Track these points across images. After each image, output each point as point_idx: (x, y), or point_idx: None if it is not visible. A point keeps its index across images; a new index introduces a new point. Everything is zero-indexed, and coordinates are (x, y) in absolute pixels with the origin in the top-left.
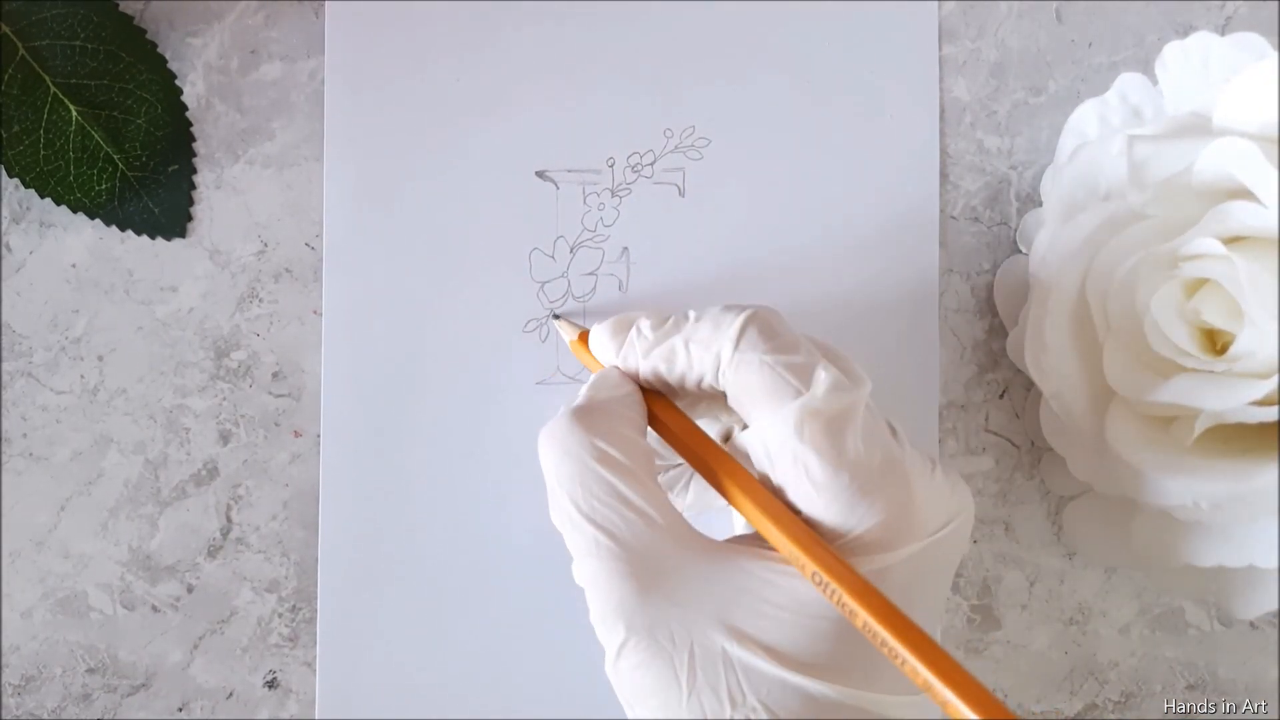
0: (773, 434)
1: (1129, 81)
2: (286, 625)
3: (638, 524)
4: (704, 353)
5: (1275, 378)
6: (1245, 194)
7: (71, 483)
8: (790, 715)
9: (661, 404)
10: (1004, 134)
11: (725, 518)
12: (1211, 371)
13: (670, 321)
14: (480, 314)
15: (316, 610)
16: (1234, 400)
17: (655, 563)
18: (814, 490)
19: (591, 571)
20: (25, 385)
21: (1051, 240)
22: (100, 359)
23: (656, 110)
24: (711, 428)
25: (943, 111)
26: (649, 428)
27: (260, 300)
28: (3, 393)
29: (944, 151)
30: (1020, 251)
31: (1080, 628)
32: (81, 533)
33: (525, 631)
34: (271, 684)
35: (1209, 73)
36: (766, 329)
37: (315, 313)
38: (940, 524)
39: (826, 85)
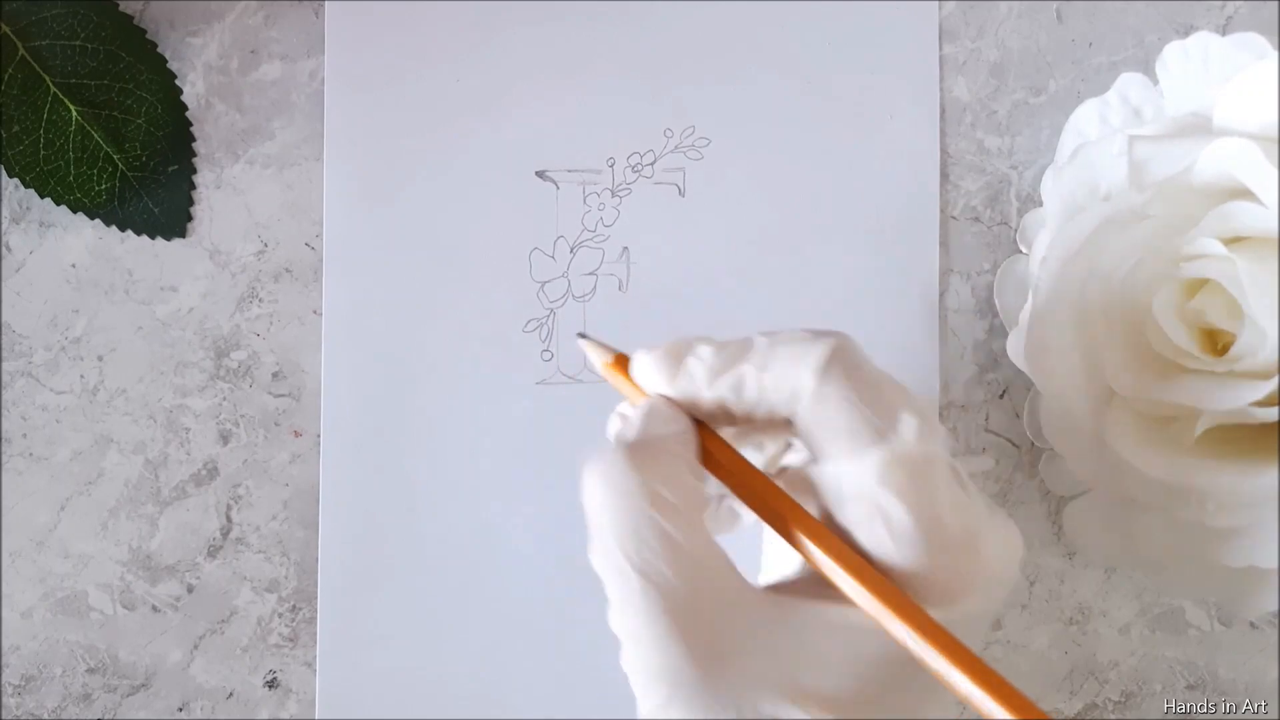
0: (851, 477)
1: (1129, 81)
2: (286, 625)
3: (690, 576)
4: (780, 383)
5: (1275, 378)
6: (1245, 194)
7: (71, 483)
8: None
9: (714, 440)
10: (1004, 134)
11: (751, 534)
12: (1212, 371)
13: (735, 346)
14: (480, 314)
15: (316, 610)
16: (1234, 400)
17: (705, 620)
18: (889, 539)
19: (635, 627)
20: (25, 385)
21: (1051, 240)
22: (100, 359)
23: (656, 110)
24: (754, 456)
25: (943, 111)
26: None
27: (260, 300)
28: (3, 393)
29: (944, 151)
30: (1020, 251)
31: (1080, 628)
32: (81, 533)
33: (525, 631)
34: (271, 684)
35: (1209, 73)
36: (851, 363)
37: (315, 313)
38: (999, 571)
39: (826, 85)
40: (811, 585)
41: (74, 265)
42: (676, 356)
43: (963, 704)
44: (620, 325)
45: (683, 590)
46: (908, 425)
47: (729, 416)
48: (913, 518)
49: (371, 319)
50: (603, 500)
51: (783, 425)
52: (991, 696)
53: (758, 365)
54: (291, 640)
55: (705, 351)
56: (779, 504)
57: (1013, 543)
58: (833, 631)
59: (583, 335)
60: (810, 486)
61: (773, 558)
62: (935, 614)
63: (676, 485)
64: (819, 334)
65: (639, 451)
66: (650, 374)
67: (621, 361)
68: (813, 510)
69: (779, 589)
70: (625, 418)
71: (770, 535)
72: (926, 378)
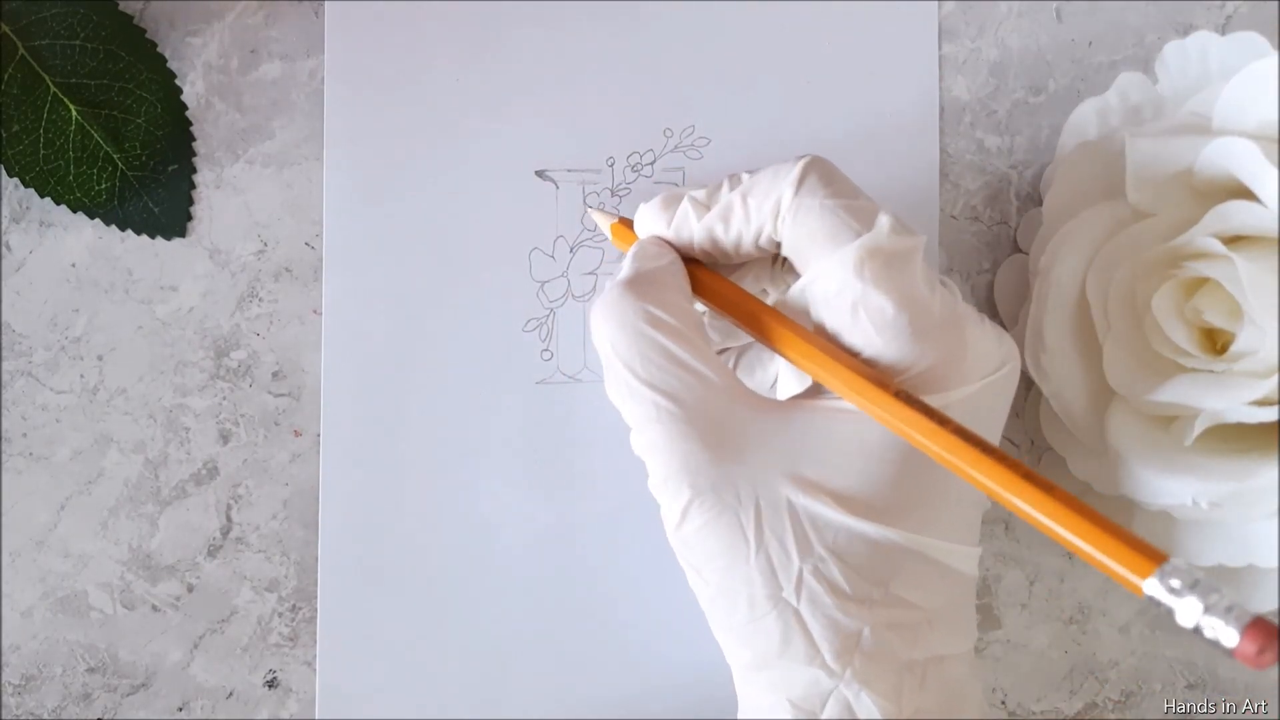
0: (832, 275)
1: (1129, 81)
2: (286, 625)
3: (696, 385)
4: (763, 202)
5: (1275, 377)
6: (1245, 193)
7: (71, 482)
8: (857, 561)
9: (704, 272)
10: (1004, 133)
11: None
12: (1211, 371)
13: (724, 183)
14: (480, 314)
15: (316, 610)
16: (1234, 400)
17: (716, 421)
18: (873, 329)
19: (652, 437)
20: (25, 385)
21: (1051, 240)
22: (100, 358)
23: (656, 110)
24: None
25: (943, 111)
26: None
27: (260, 300)
28: (3, 392)
29: (944, 151)
30: (1020, 251)
31: (1080, 627)
32: (81, 532)
33: (525, 631)
34: (271, 683)
35: (1209, 72)
36: (826, 175)
37: (315, 312)
38: (993, 368)
39: (826, 85)
40: (814, 391)
41: (74, 265)
42: (672, 200)
43: (970, 483)
44: None
45: (691, 397)
46: (882, 222)
47: (724, 254)
48: (892, 302)
49: (371, 319)
50: (608, 333)
51: (774, 264)
52: (975, 464)
53: (741, 192)
54: (291, 640)
55: (697, 193)
56: (767, 316)
57: (1005, 342)
58: (834, 426)
59: (589, 206)
60: (802, 307)
61: (788, 387)
62: (933, 401)
63: (671, 308)
64: (796, 157)
65: (633, 283)
66: (650, 219)
67: (625, 224)
68: (809, 328)
69: (785, 401)
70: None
71: (783, 368)
72: None
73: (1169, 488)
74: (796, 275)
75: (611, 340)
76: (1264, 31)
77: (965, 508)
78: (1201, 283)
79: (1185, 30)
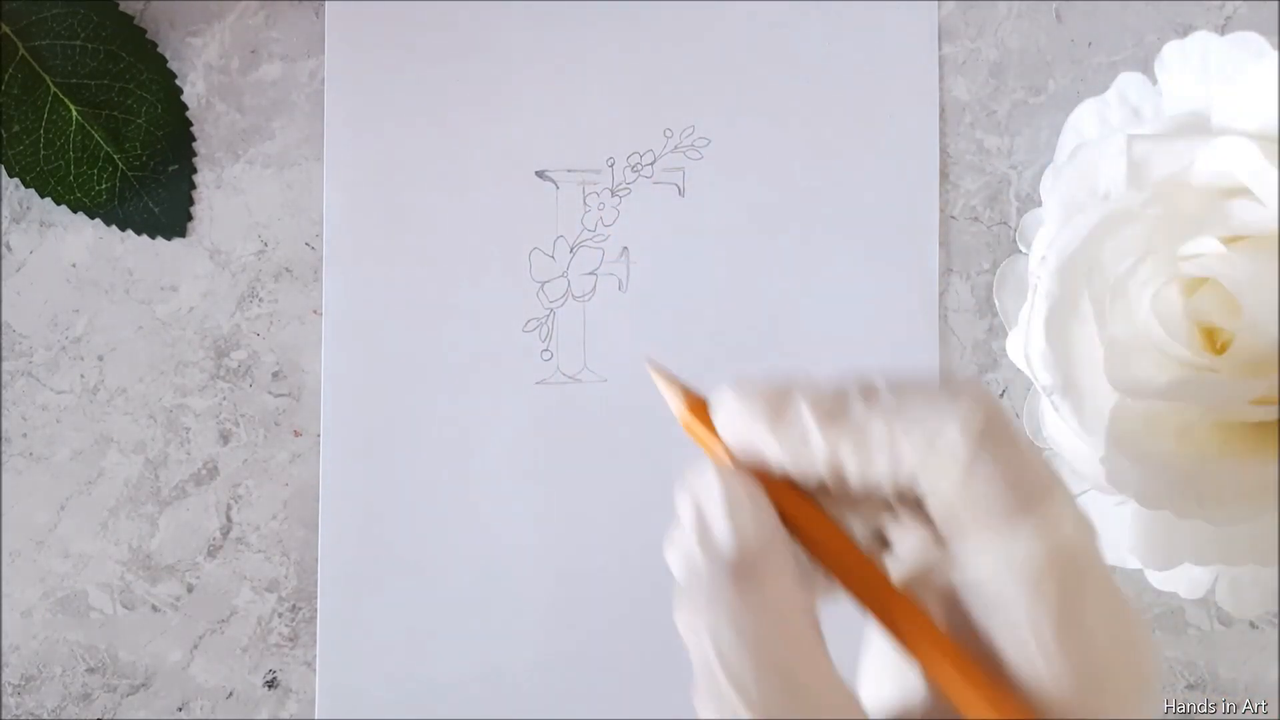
0: (994, 567)
1: (1129, 81)
2: (286, 625)
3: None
4: (918, 441)
5: (1275, 377)
6: (1245, 193)
7: (71, 482)
8: None
9: (800, 504)
10: (1004, 134)
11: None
12: (1212, 370)
13: (848, 390)
14: (480, 314)
15: (316, 610)
16: (1234, 398)
17: None
18: (1037, 651)
19: None
20: (25, 385)
21: (1051, 240)
22: (100, 358)
23: (656, 110)
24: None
25: (943, 111)
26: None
27: (260, 300)
28: (3, 392)
29: (944, 151)
30: (1020, 251)
31: None
32: (81, 532)
33: (525, 631)
34: (271, 684)
35: (1209, 73)
36: (1006, 426)
37: (315, 312)
38: (1145, 684)
39: (826, 85)
40: (939, 711)
41: (74, 265)
42: (780, 400)
43: None
44: (620, 325)
45: None
46: (1064, 506)
47: (838, 490)
48: (1063, 634)
49: (371, 319)
50: (710, 635)
51: (885, 505)
52: None
53: (885, 416)
54: (291, 640)
55: (811, 388)
56: (894, 606)
57: (1154, 650)
58: None
59: (654, 365)
60: (928, 579)
61: (872, 668)
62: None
63: (789, 605)
64: (954, 384)
65: (741, 572)
66: (745, 422)
67: (699, 407)
68: (933, 609)
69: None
70: (703, 516)
71: (872, 642)
72: (926, 378)
73: (1169, 488)
74: (923, 518)
75: (715, 645)
76: (1264, 31)
77: None
78: (1201, 283)
79: (1185, 30)
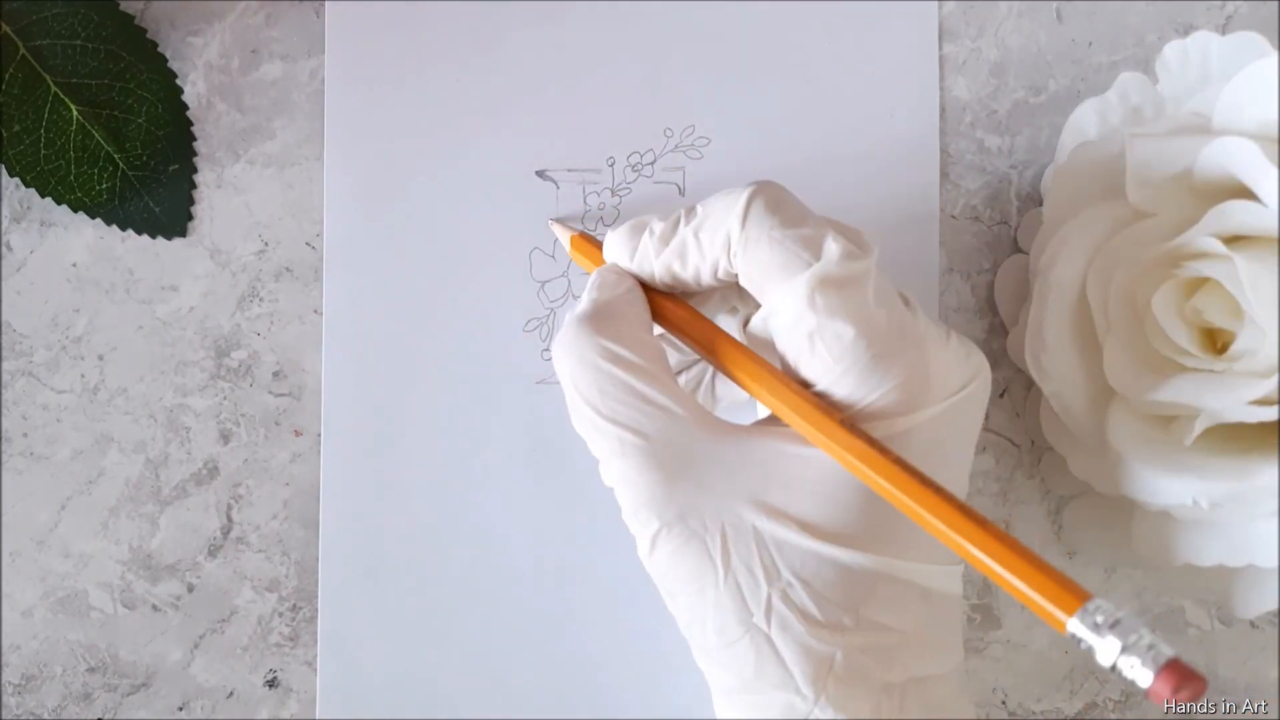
0: (785, 308)
1: (1129, 81)
2: (287, 624)
3: (658, 417)
4: (714, 236)
5: (1275, 377)
6: (1245, 193)
7: (72, 482)
8: (826, 586)
9: (663, 299)
10: (1004, 133)
11: (753, 412)
12: (1211, 371)
13: (680, 216)
14: (480, 314)
15: (317, 609)
16: (1234, 399)
17: (680, 452)
18: (830, 359)
19: (619, 470)
20: (26, 384)
21: (1052, 240)
22: (101, 358)
23: (656, 110)
24: (730, 323)
25: (943, 111)
26: (657, 325)
27: (261, 299)
28: (3, 392)
29: (944, 151)
30: (1020, 251)
31: None
32: (82, 532)
33: (525, 631)
34: (272, 683)
35: (1209, 72)
36: (773, 203)
37: (316, 312)
38: (958, 386)
39: (826, 85)
40: (774, 423)
41: (75, 265)
42: (636, 230)
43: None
44: None
45: (653, 429)
46: (830, 249)
47: (686, 287)
48: (848, 329)
49: (372, 319)
50: (568, 368)
51: (736, 286)
52: (911, 497)
53: (694, 228)
54: (292, 640)
55: (656, 225)
56: (721, 347)
57: (974, 356)
58: (799, 452)
59: (553, 220)
60: (766, 338)
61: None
62: (896, 425)
63: (630, 341)
64: (742, 186)
65: (590, 318)
66: (616, 248)
67: (582, 239)
68: (776, 363)
69: (756, 423)
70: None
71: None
72: None
73: (1169, 488)
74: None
75: (573, 377)
76: (1264, 31)
77: None
78: (1201, 283)
79: (1185, 30)
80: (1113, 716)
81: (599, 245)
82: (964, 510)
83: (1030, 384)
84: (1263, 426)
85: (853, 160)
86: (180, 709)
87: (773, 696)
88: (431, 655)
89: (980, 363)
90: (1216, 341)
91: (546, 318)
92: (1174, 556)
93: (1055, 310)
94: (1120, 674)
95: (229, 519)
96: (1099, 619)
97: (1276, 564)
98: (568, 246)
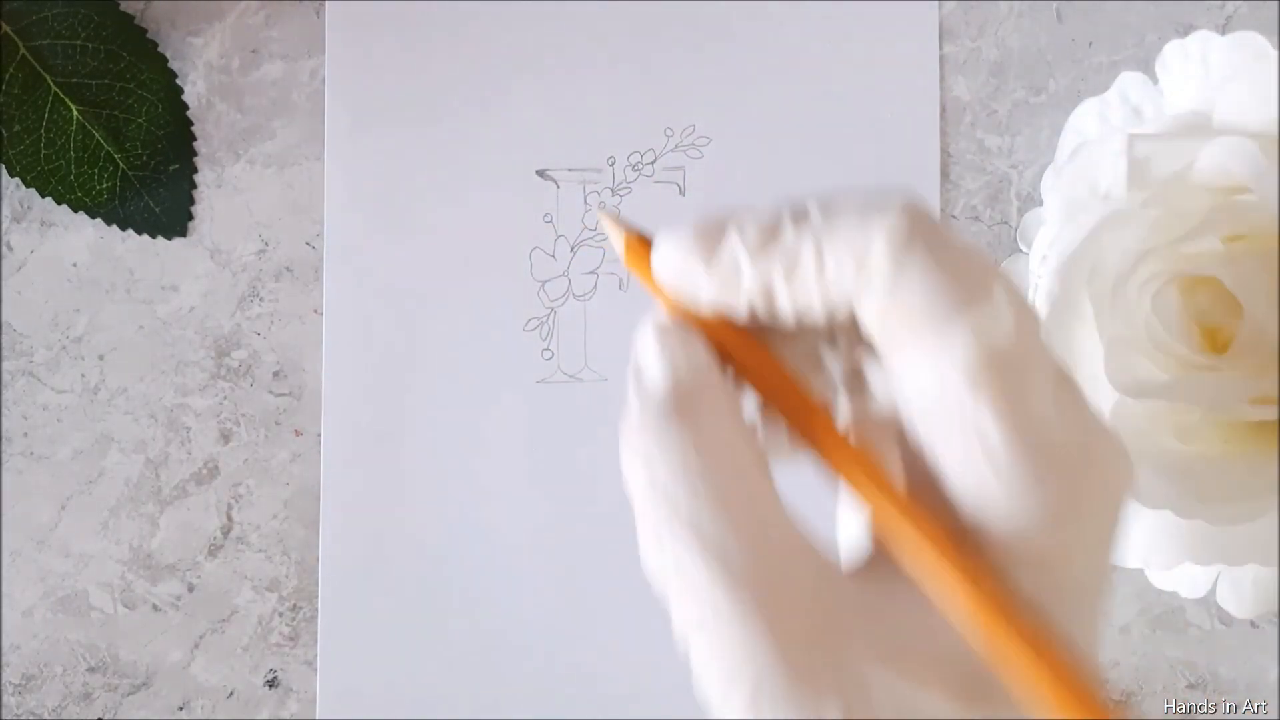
0: (929, 375)
1: (1129, 81)
2: (287, 624)
3: (764, 548)
4: (845, 259)
5: (1275, 376)
6: (1245, 192)
7: (72, 482)
8: None
9: (740, 341)
10: (1004, 133)
11: None
12: (1212, 369)
13: (783, 215)
14: (481, 313)
15: (317, 609)
16: (1234, 398)
17: (789, 598)
18: (983, 458)
19: (703, 616)
20: (26, 384)
21: (1052, 240)
22: (101, 358)
23: (657, 109)
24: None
25: (943, 111)
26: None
27: (261, 299)
28: (3, 392)
29: (944, 151)
30: (1021, 251)
31: None
32: (82, 532)
33: (525, 631)
34: (272, 683)
35: (1209, 72)
36: (934, 230)
37: (316, 312)
38: (1111, 495)
39: (826, 85)
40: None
41: (75, 264)
42: (712, 234)
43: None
44: (621, 324)
45: (754, 563)
46: (1003, 303)
47: (773, 320)
48: (1011, 430)
49: (372, 318)
50: (646, 471)
51: (823, 335)
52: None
53: (814, 236)
54: (292, 639)
55: (749, 224)
56: (822, 437)
57: (1125, 458)
58: (915, 610)
59: (601, 205)
60: (891, 419)
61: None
62: (1036, 544)
63: (729, 439)
64: (885, 195)
65: (677, 406)
66: (680, 259)
67: (641, 244)
68: (888, 452)
69: (869, 564)
70: (637, 361)
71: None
72: None
73: (1169, 488)
74: (867, 346)
75: (651, 480)
76: (1264, 31)
77: None
78: (1201, 283)
79: (1185, 30)
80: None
81: None
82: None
83: None
84: (1263, 426)
85: (853, 160)
86: (180, 709)
87: None
88: (431, 655)
89: (1129, 463)
90: (1216, 341)
91: (547, 317)
92: (1174, 557)
93: (1055, 310)
94: None
95: (229, 519)
96: None
97: (1276, 564)
98: (620, 250)
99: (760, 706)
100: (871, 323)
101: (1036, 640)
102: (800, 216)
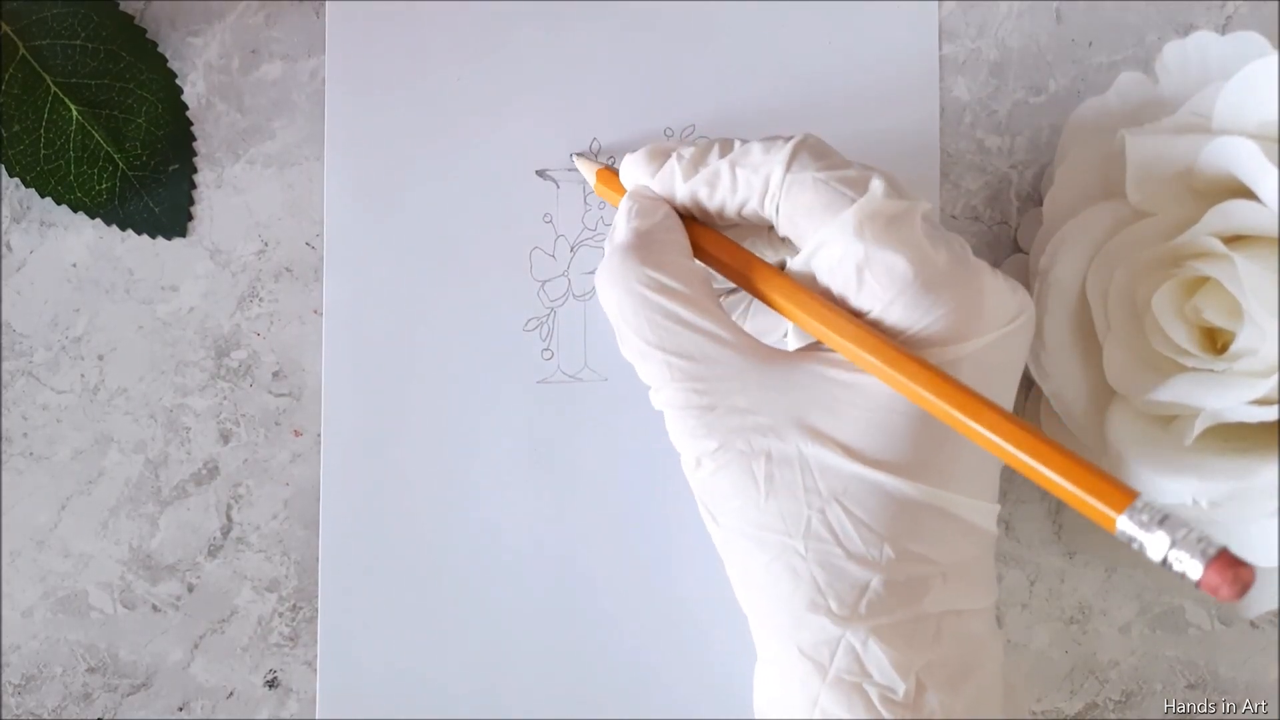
0: (834, 243)
1: (1129, 81)
2: (287, 625)
3: (705, 343)
4: (752, 176)
5: (1275, 377)
6: (1245, 193)
7: (72, 482)
8: (868, 513)
9: (699, 228)
10: (1004, 133)
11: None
12: (1211, 370)
13: (714, 147)
14: (481, 313)
15: (317, 609)
16: (1234, 399)
17: (727, 376)
18: (879, 287)
19: (668, 395)
20: (26, 384)
21: (1051, 240)
22: (101, 358)
23: (656, 110)
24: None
25: (943, 111)
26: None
27: (261, 299)
28: (3, 392)
29: (944, 151)
30: (1020, 251)
31: (1081, 627)
32: (82, 532)
33: (525, 631)
34: (272, 683)
35: (1209, 72)
36: (817, 151)
37: (316, 312)
38: (1007, 319)
39: (826, 85)
40: (819, 349)
41: (74, 265)
42: (658, 154)
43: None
44: None
45: (700, 354)
46: (876, 185)
47: (706, 216)
48: (897, 257)
49: (372, 318)
50: (615, 298)
51: (770, 231)
52: (961, 406)
53: (730, 161)
54: (292, 640)
55: (685, 150)
56: (763, 277)
57: (1020, 293)
58: (846, 381)
59: (576, 154)
60: (808, 280)
61: (795, 334)
62: (947, 354)
63: (674, 269)
64: (788, 136)
65: (634, 248)
66: (635, 171)
67: (604, 175)
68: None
69: (795, 353)
70: (614, 225)
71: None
72: None
73: (1169, 488)
74: (792, 245)
75: (619, 307)
76: (1264, 31)
77: (984, 464)
78: (1201, 282)
79: (1185, 30)
80: (1113, 716)
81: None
82: (1013, 419)
83: (1030, 384)
84: (1263, 426)
85: (853, 160)
86: (180, 709)
87: (805, 619)
88: (431, 655)
89: (1025, 300)
90: (1216, 341)
91: (547, 317)
92: None
93: (1055, 310)
94: (1170, 568)
95: (229, 519)
96: (1146, 516)
97: (1276, 564)
98: (592, 181)
99: (705, 456)
100: (783, 224)
101: (960, 388)
102: (725, 146)
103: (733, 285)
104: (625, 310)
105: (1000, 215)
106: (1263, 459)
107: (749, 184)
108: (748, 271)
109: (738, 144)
